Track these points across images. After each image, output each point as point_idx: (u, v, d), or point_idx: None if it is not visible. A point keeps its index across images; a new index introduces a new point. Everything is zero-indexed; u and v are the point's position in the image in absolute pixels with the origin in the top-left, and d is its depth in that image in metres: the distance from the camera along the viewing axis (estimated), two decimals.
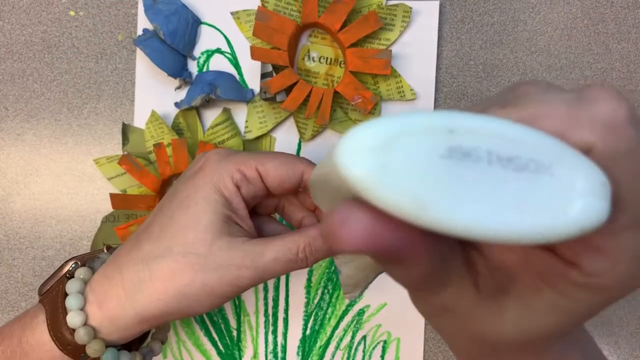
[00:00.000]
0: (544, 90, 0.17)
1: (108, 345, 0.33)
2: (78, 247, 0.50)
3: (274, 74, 0.47)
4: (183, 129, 0.49)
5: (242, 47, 0.50)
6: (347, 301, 0.51)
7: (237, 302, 0.51)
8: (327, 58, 0.49)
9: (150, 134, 0.49)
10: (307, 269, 0.51)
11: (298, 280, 0.51)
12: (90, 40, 0.50)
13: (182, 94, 0.49)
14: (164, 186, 0.49)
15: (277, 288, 0.51)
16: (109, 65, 0.50)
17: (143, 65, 0.50)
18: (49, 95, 0.50)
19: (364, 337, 0.51)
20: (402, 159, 0.15)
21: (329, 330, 0.51)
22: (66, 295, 0.33)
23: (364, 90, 0.46)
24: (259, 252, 0.32)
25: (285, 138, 0.50)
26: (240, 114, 0.50)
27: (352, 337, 0.51)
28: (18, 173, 0.50)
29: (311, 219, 0.37)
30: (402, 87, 0.49)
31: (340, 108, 0.49)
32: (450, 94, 0.50)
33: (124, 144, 0.49)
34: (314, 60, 0.50)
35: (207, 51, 0.50)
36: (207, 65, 0.50)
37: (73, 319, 0.32)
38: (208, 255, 0.31)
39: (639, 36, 0.50)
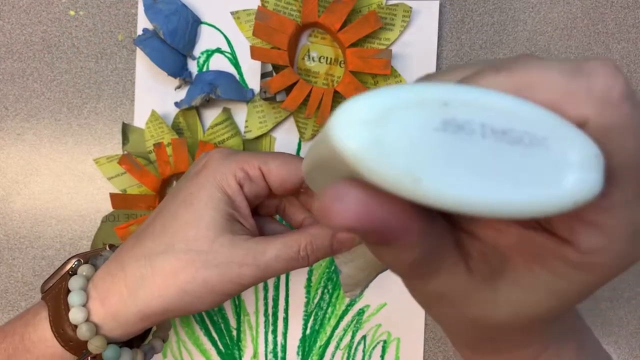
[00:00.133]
0: (541, 59, 0.17)
1: (110, 342, 0.33)
2: (78, 246, 0.50)
3: (274, 74, 0.47)
4: (183, 129, 0.49)
5: (242, 46, 0.50)
6: (347, 301, 0.51)
7: (237, 302, 0.51)
8: (327, 58, 0.50)
9: (150, 133, 0.49)
10: (307, 269, 0.51)
11: (298, 280, 0.51)
12: (90, 40, 0.50)
13: (182, 94, 0.49)
14: (164, 186, 0.49)
15: (277, 287, 0.51)
16: (109, 65, 0.50)
17: (143, 65, 0.50)
18: (49, 95, 0.50)
19: (364, 337, 0.51)
20: (397, 132, 0.15)
21: (329, 330, 0.51)
22: (69, 292, 0.33)
23: (364, 90, 0.46)
24: (261, 250, 0.32)
25: (285, 138, 0.50)
26: (240, 114, 0.50)
27: (352, 337, 0.51)
28: (18, 173, 0.50)
29: (312, 220, 0.37)
30: None
31: None
32: None
33: (124, 144, 0.49)
34: (314, 60, 0.50)
35: (207, 51, 0.50)
36: (207, 65, 0.50)
37: (75, 315, 0.32)
38: (210, 253, 0.31)
39: (639, 36, 0.51)
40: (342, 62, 0.49)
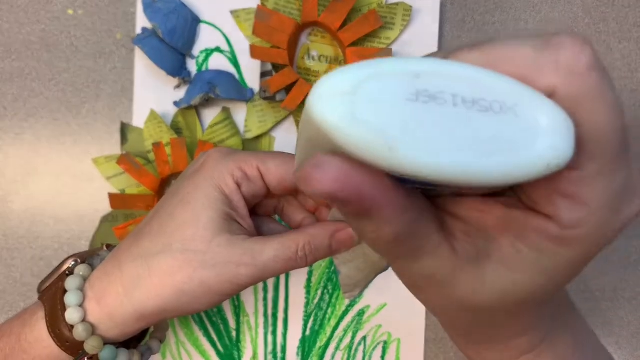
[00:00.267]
0: (513, 36, 0.18)
1: (106, 342, 0.33)
2: (76, 247, 0.50)
3: (274, 73, 0.47)
4: (182, 128, 0.49)
5: (242, 45, 0.50)
6: (347, 301, 0.51)
7: (236, 303, 0.50)
8: (327, 57, 0.49)
9: (149, 133, 0.48)
10: (307, 269, 0.51)
11: (298, 281, 0.50)
12: (89, 39, 0.50)
13: (181, 93, 0.49)
14: (162, 186, 0.48)
15: (276, 288, 0.51)
16: (107, 64, 0.50)
17: (142, 64, 0.49)
18: (47, 95, 0.50)
19: (364, 338, 0.51)
20: (371, 102, 0.15)
21: (328, 330, 0.51)
22: (65, 291, 0.33)
23: None
24: (259, 250, 0.32)
25: (285, 137, 0.50)
26: (240, 113, 0.50)
27: (352, 338, 0.51)
28: (16, 173, 0.50)
29: (311, 220, 0.37)
30: None
31: None
32: None
33: (122, 144, 0.49)
34: (314, 59, 0.49)
35: (206, 50, 0.50)
36: (207, 64, 0.50)
37: (72, 315, 0.32)
38: (207, 253, 0.31)
39: None
40: (342, 61, 0.49)
